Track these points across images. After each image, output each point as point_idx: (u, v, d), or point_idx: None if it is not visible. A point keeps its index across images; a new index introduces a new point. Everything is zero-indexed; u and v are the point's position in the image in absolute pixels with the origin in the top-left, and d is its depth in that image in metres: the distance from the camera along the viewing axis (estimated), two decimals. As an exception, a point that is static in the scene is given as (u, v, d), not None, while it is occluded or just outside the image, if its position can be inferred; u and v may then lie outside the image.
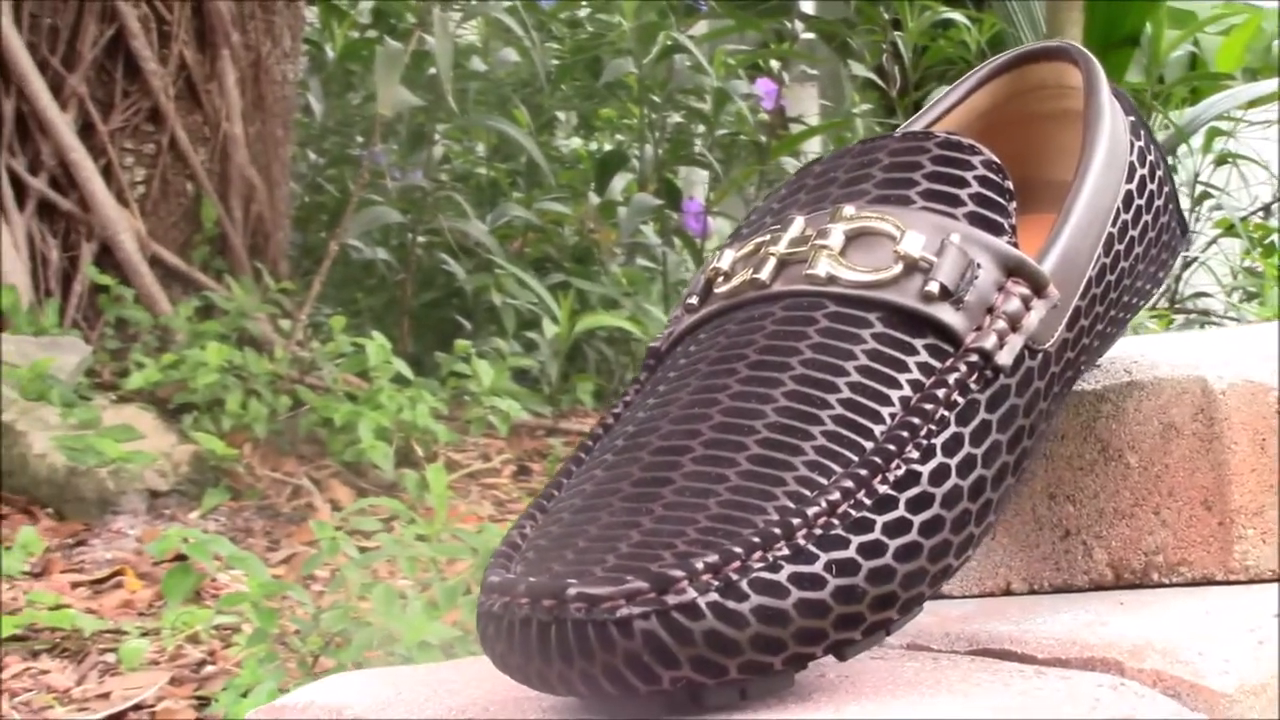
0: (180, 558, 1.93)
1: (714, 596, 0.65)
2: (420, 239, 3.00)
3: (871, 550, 0.69)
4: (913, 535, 0.70)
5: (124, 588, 2.00)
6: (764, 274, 0.76)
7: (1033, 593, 0.89)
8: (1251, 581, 0.85)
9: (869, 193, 0.77)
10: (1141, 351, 0.88)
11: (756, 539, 0.66)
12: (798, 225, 0.77)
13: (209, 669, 1.70)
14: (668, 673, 0.65)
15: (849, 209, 0.76)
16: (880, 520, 0.69)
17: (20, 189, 2.66)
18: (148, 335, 2.60)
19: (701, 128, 3.31)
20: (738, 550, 0.66)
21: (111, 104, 2.71)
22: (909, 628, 0.84)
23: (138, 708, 1.56)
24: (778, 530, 0.67)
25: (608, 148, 3.65)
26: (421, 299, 3.17)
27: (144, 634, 1.78)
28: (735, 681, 0.66)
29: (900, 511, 0.70)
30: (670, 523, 0.68)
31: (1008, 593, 0.89)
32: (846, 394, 0.72)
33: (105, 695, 1.65)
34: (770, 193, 0.82)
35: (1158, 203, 0.85)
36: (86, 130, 2.68)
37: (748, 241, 0.78)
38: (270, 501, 2.34)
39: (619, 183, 3.53)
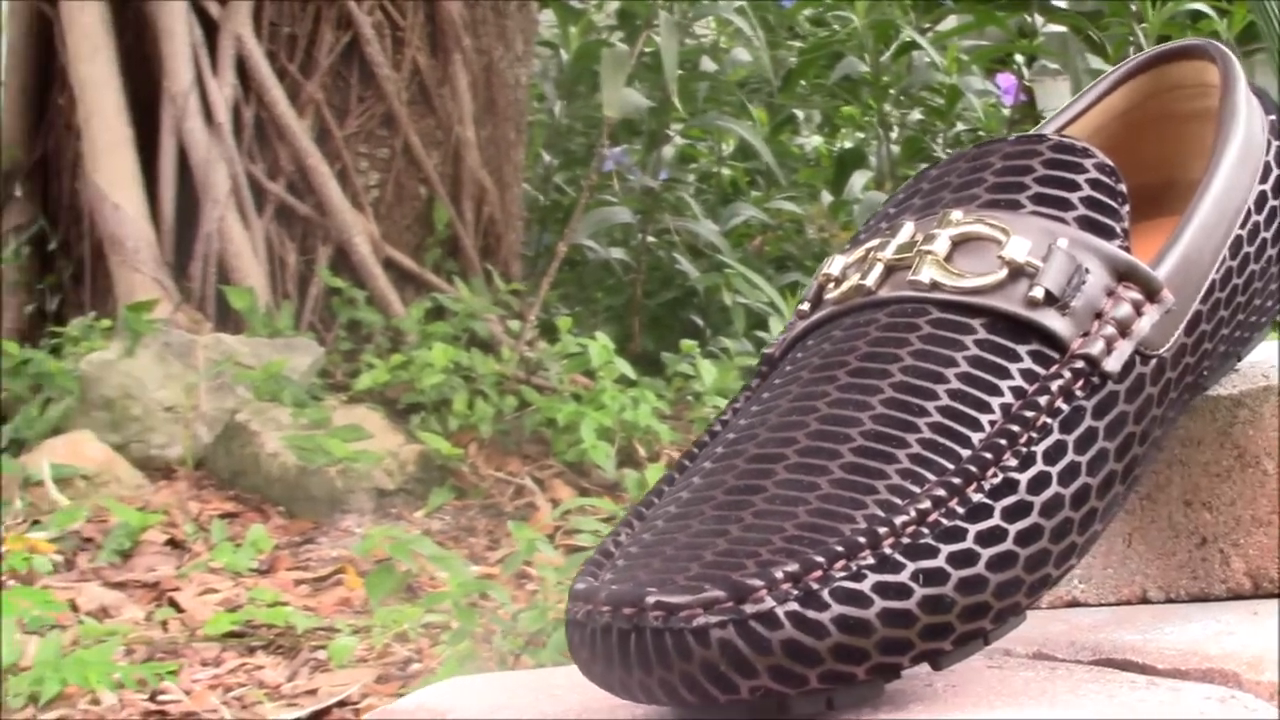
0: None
1: (793, 606, 0.65)
2: (652, 239, 3.02)
3: (962, 559, 0.68)
4: (1008, 544, 0.69)
5: (344, 585, 2.04)
6: (870, 280, 0.76)
7: (1170, 601, 0.87)
8: (1391, 592, 0.83)
9: (980, 197, 0.76)
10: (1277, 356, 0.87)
11: (840, 547, 0.66)
12: (907, 231, 0.76)
13: (415, 667, 1.73)
14: (746, 682, 0.65)
15: (956, 214, 0.75)
16: (973, 529, 0.69)
17: (260, 194, 2.72)
18: (380, 337, 2.64)
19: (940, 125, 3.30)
20: (819, 559, 0.66)
21: (347, 109, 2.76)
22: (1035, 635, 0.83)
23: (342, 704, 1.60)
24: (863, 539, 0.67)
25: (848, 145, 3.64)
26: (659, 299, 3.18)
27: (355, 631, 1.81)
28: (818, 691, 0.66)
29: (995, 520, 0.69)
30: (758, 531, 0.68)
31: (1144, 601, 0.88)
32: (945, 401, 0.71)
33: (313, 691, 1.68)
34: (890, 197, 0.82)
35: (1295, 204, 0.83)
36: (323, 136, 2.74)
37: (859, 247, 0.78)
38: (494, 501, 2.37)
39: (859, 180, 3.53)
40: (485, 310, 2.63)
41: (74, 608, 1.99)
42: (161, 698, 1.70)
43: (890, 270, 0.76)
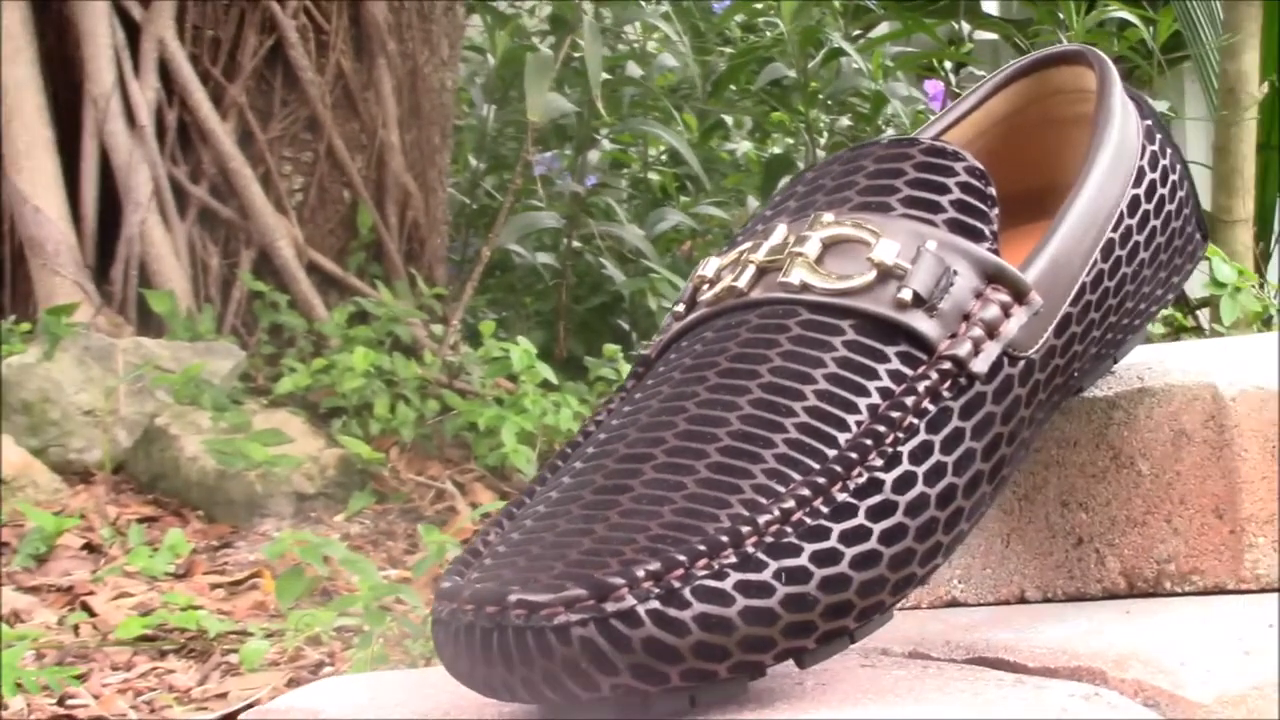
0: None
1: (654, 604, 0.65)
2: (579, 244, 3.02)
3: (826, 558, 0.69)
4: (871, 543, 0.70)
5: (259, 590, 2.03)
6: (742, 282, 0.76)
7: (1047, 601, 0.88)
8: (1263, 591, 0.84)
9: (852, 200, 0.77)
10: (1155, 358, 0.87)
11: (703, 546, 0.67)
12: (779, 233, 0.77)
13: (327, 670, 1.73)
14: (607, 679, 0.65)
15: (828, 216, 0.76)
16: (837, 528, 0.69)
17: (182, 197, 2.71)
18: (303, 341, 2.64)
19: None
20: (681, 558, 0.66)
21: (270, 113, 2.76)
22: (912, 634, 0.84)
23: (251, 707, 1.59)
24: (725, 538, 0.67)
25: (778, 151, 3.64)
26: (587, 304, 3.19)
27: (268, 635, 1.81)
28: (681, 689, 0.67)
29: (859, 519, 0.70)
30: (623, 530, 0.68)
31: (1022, 601, 0.89)
32: (813, 402, 0.72)
33: (223, 695, 1.68)
34: (768, 200, 0.82)
35: (1169, 207, 0.84)
36: (246, 139, 2.73)
37: (734, 250, 0.79)
38: (414, 505, 2.36)
39: (787, 186, 3.52)
40: (408, 315, 2.63)
41: (-14, 612, 1.98)
42: (70, 702, 1.70)
43: (762, 272, 0.76)
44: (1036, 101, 0.90)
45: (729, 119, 3.57)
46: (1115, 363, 0.86)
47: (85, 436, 2.48)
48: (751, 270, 0.76)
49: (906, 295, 0.74)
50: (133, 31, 2.72)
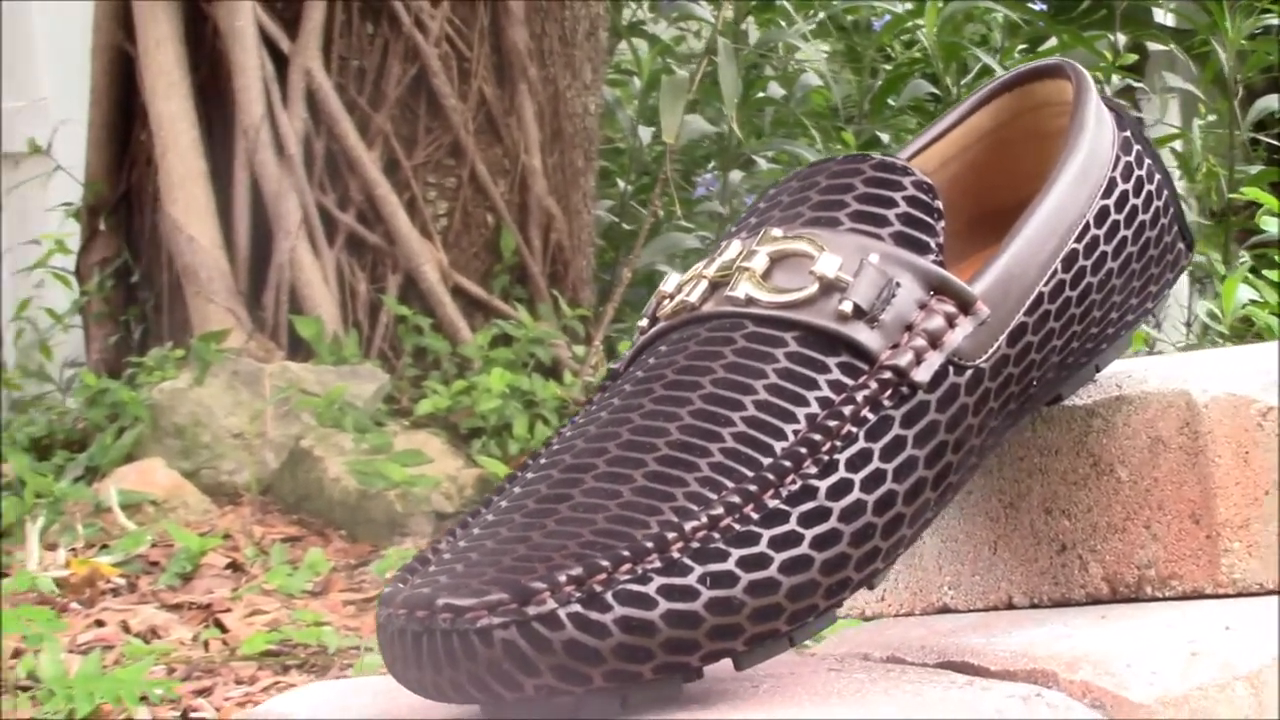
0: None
1: (575, 607, 0.68)
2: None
3: (753, 563, 0.71)
4: (803, 548, 0.72)
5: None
6: (694, 297, 0.79)
7: (1033, 607, 0.90)
8: (1240, 595, 0.85)
9: (804, 215, 0.79)
10: (1135, 367, 0.89)
11: (627, 551, 0.69)
12: (734, 249, 0.79)
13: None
14: (530, 680, 0.68)
15: (776, 231, 0.78)
16: (767, 534, 0.71)
17: (330, 224, 2.78)
18: (447, 363, 2.69)
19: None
20: (605, 563, 0.69)
21: (415, 140, 2.81)
22: (894, 639, 0.86)
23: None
24: (651, 544, 0.70)
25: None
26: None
27: (384, 649, 1.85)
28: (606, 690, 0.69)
29: (790, 525, 0.72)
30: (557, 537, 0.71)
31: (1010, 607, 0.90)
32: (751, 412, 0.74)
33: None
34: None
35: (1143, 217, 0.85)
36: (391, 166, 2.79)
37: (695, 265, 0.81)
38: (549, 522, 2.40)
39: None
40: (549, 336, 2.67)
41: (125, 628, 2.04)
42: (194, 715, 1.75)
43: (714, 287, 0.79)
44: (1022, 115, 0.91)
45: (884, 136, 3.58)
46: (1098, 371, 0.87)
47: (235, 459, 2.55)
48: (704, 285, 0.79)
49: (847, 307, 0.76)
50: (281, 63, 2.79)
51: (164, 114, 2.79)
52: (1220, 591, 0.85)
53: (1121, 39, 3.56)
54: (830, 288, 0.76)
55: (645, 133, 3.34)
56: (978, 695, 0.74)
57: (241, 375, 2.58)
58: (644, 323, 0.81)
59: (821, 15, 3.00)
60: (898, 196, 0.78)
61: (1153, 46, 4.33)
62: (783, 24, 3.02)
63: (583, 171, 2.93)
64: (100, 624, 2.07)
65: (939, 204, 0.78)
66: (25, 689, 1.75)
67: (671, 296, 0.80)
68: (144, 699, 1.73)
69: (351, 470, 2.40)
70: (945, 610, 0.92)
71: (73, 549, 2.32)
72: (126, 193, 2.97)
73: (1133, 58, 3.90)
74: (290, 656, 1.89)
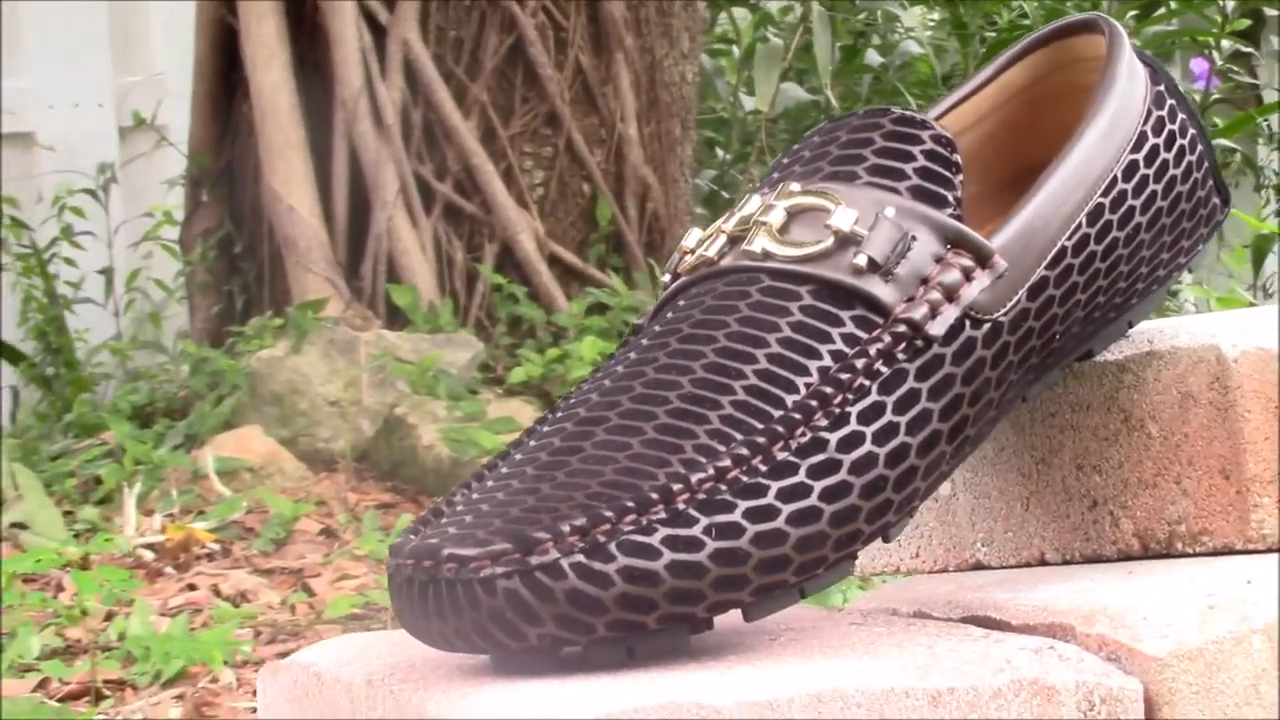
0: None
1: (579, 558, 0.69)
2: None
3: (760, 514, 0.71)
4: (811, 500, 0.72)
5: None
6: (713, 251, 0.79)
7: (1066, 563, 0.89)
8: (1269, 550, 0.84)
9: (823, 170, 0.79)
10: (1166, 324, 0.88)
11: (631, 503, 0.70)
12: (753, 204, 0.80)
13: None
14: (533, 630, 0.69)
15: (794, 186, 0.78)
16: (775, 485, 0.72)
17: (428, 194, 2.80)
18: (543, 332, 2.70)
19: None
20: (609, 514, 0.69)
21: (511, 110, 2.83)
22: (922, 595, 0.86)
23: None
24: (656, 495, 0.70)
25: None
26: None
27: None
28: (611, 640, 0.70)
29: (799, 477, 0.72)
30: (565, 489, 0.71)
31: (1043, 563, 0.90)
32: (764, 365, 0.74)
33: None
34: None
35: (1174, 172, 0.85)
36: (488, 136, 2.81)
37: (715, 221, 0.81)
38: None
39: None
40: (644, 304, 2.68)
41: (216, 592, 2.07)
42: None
43: (733, 241, 0.79)
44: (1058, 71, 0.91)
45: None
46: (1130, 327, 0.87)
47: (331, 426, 2.57)
48: (722, 240, 0.79)
49: (862, 261, 0.76)
50: (379, 34, 2.81)
51: (264, 85, 2.82)
52: (1250, 547, 0.84)
53: (1231, 3, 3.53)
54: (846, 241, 0.76)
55: (748, 102, 3.34)
56: (990, 648, 0.74)
57: (337, 343, 2.61)
58: (666, 278, 0.82)
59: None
60: (916, 150, 0.78)
61: (1269, 11, 4.28)
62: (880, -9, 3.01)
63: (679, 140, 2.94)
64: (193, 588, 2.10)
65: (957, 158, 0.78)
66: (107, 650, 1.78)
67: (692, 252, 0.80)
68: (226, 662, 1.76)
69: (445, 437, 2.42)
70: (979, 567, 0.92)
71: (169, 515, 2.36)
72: (229, 164, 3.00)
73: (1245, 23, 3.86)
74: (374, 620, 1.91)
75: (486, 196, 2.78)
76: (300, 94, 2.83)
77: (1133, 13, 3.89)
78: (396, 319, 2.75)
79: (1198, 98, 3.48)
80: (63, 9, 3.87)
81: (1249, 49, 3.74)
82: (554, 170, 2.82)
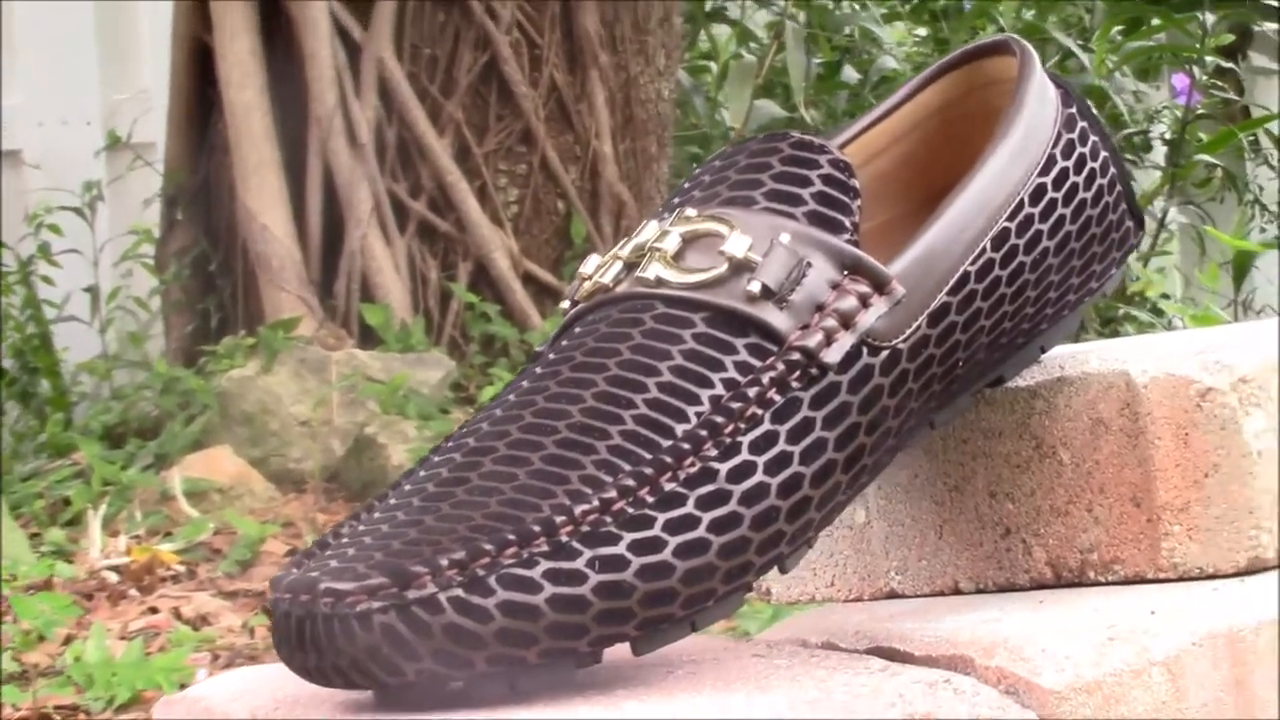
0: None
1: (457, 592, 0.67)
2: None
3: (646, 546, 0.70)
4: (699, 531, 0.71)
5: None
6: (608, 278, 0.78)
7: (980, 592, 0.88)
8: (1181, 579, 0.83)
9: (721, 195, 0.78)
10: (1078, 350, 0.87)
11: (513, 535, 0.69)
12: (651, 229, 0.78)
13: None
14: (411, 665, 0.68)
15: (690, 211, 0.77)
16: (662, 517, 0.71)
17: (401, 212, 2.79)
18: (515, 350, 2.69)
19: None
20: (489, 547, 0.68)
21: (486, 128, 2.82)
22: (834, 625, 0.85)
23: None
24: (538, 527, 0.69)
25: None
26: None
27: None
28: (490, 675, 0.68)
29: (687, 508, 0.71)
30: (448, 521, 0.70)
31: (956, 592, 0.89)
32: (654, 394, 0.73)
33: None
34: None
35: (1084, 195, 0.84)
36: (462, 154, 2.80)
37: (613, 248, 0.80)
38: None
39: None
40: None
41: (178, 615, 2.06)
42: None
43: (629, 268, 0.78)
44: (972, 93, 0.90)
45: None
46: (1043, 352, 0.86)
47: (302, 446, 2.56)
48: (619, 266, 0.78)
49: (755, 288, 0.74)
50: (354, 52, 2.81)
51: (238, 103, 2.81)
52: (1161, 576, 0.83)
53: (1211, 19, 3.51)
54: (740, 268, 0.75)
55: (727, 117, 3.33)
56: (884, 681, 0.73)
57: (308, 363, 2.60)
58: (565, 305, 0.81)
59: (895, 1, 2.97)
60: (813, 175, 0.77)
61: (1260, 26, 4.27)
62: (855, 7, 2.99)
63: (656, 158, 2.93)
64: (154, 610, 2.08)
65: (855, 182, 0.77)
66: (47, 675, 1.77)
67: (589, 278, 0.79)
68: (183, 686, 1.74)
69: (415, 457, 2.41)
70: (894, 595, 0.91)
71: (135, 536, 2.34)
72: (204, 182, 2.99)
73: (1229, 38, 3.85)
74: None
75: (461, 214, 2.77)
76: (274, 112, 2.82)
77: (1118, 28, 3.88)
78: (370, 338, 2.74)
79: (1179, 113, 3.47)
80: (51, 26, 3.86)
81: (1230, 65, 3.72)
82: (529, 188, 2.81)
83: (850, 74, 3.13)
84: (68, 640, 1.92)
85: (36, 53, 3.87)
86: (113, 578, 2.19)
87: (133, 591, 2.17)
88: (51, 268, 3.36)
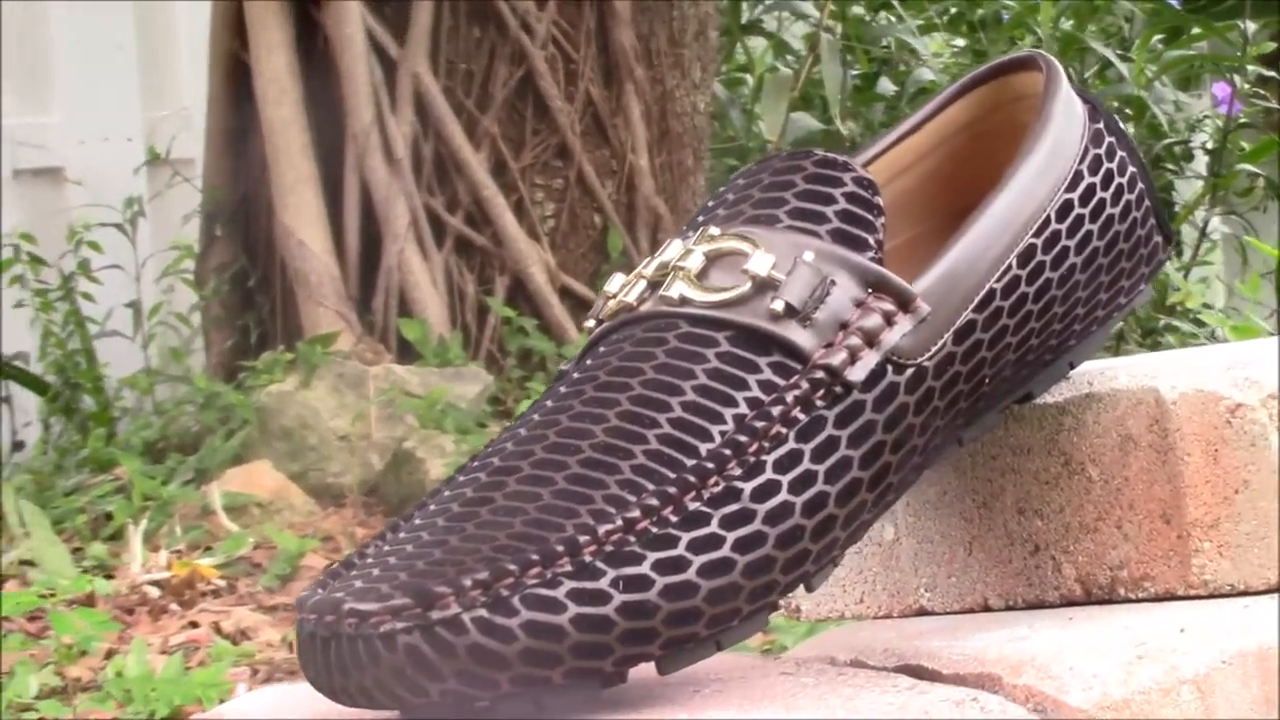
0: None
1: (480, 612, 0.68)
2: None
3: (670, 566, 0.70)
4: (724, 551, 0.71)
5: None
6: (632, 297, 0.78)
7: (1009, 609, 0.88)
8: (1211, 596, 0.83)
9: (745, 213, 0.78)
10: (1106, 365, 0.87)
11: (536, 555, 0.69)
12: (675, 248, 0.79)
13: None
14: (435, 685, 0.68)
15: (714, 230, 0.77)
16: (686, 536, 0.71)
17: (439, 227, 2.79)
18: (553, 364, 2.69)
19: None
20: (512, 567, 0.68)
21: (522, 142, 2.82)
22: (861, 643, 0.85)
23: None
24: (561, 547, 0.69)
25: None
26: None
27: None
28: (513, 695, 0.69)
29: (711, 528, 0.71)
30: (473, 541, 0.70)
31: (986, 609, 0.89)
32: (678, 413, 0.73)
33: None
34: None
35: (1111, 211, 0.84)
36: (499, 168, 2.80)
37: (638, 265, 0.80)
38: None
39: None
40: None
41: (218, 630, 2.06)
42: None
43: (653, 286, 0.78)
44: (999, 108, 0.90)
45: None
46: (1071, 368, 0.86)
47: (341, 461, 2.57)
48: (643, 285, 0.78)
49: (779, 306, 0.74)
50: (389, 68, 2.81)
51: (275, 120, 2.82)
52: (1191, 593, 0.83)
53: (1253, 28, 3.50)
54: (763, 286, 0.75)
55: (763, 129, 3.33)
56: (911, 700, 0.73)
57: (347, 378, 2.60)
58: (590, 323, 0.81)
59: (932, 12, 2.97)
60: (837, 193, 0.77)
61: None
62: (892, 19, 2.99)
63: (692, 171, 2.93)
64: (194, 625, 2.09)
65: (879, 200, 0.77)
66: (86, 690, 1.78)
67: (614, 297, 0.79)
68: (222, 701, 1.75)
69: (452, 471, 2.41)
70: (923, 613, 0.90)
71: (176, 551, 2.35)
72: (243, 198, 3.00)
73: (1271, 46, 3.84)
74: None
75: (497, 229, 2.77)
76: (311, 128, 2.82)
77: (1158, 37, 3.87)
78: (408, 352, 2.74)
79: (1221, 122, 3.46)
80: (91, 45, 3.88)
81: (1271, 73, 3.71)
82: (565, 202, 2.82)
83: (887, 86, 3.13)
84: (109, 655, 1.93)
85: (77, 71, 3.89)
86: (153, 592, 2.20)
87: (173, 606, 2.18)
88: (92, 284, 3.37)
